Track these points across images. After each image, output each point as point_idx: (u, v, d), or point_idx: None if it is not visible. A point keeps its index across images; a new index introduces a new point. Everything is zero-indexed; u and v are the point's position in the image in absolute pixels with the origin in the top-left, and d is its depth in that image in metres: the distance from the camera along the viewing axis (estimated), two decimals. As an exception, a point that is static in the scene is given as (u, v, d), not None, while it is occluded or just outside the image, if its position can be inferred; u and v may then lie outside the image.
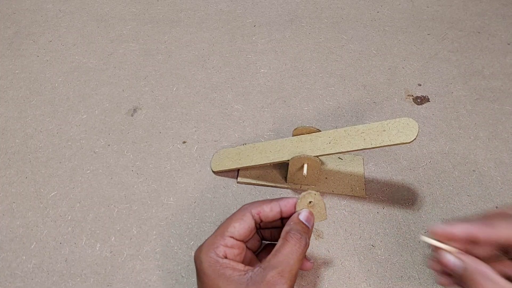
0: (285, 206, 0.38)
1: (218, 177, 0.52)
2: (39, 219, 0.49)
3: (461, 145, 0.55)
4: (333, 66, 0.65)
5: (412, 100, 0.60)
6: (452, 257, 0.32)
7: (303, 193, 0.38)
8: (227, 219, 0.38)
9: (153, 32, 0.70)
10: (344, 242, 0.47)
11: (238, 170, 0.52)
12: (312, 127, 0.48)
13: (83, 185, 0.52)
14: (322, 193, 0.51)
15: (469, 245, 0.33)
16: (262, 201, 0.39)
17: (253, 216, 0.38)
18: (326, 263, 0.45)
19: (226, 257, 0.35)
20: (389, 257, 0.46)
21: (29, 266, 0.45)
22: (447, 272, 0.34)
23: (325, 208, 0.39)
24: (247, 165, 0.50)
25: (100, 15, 0.73)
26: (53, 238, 0.47)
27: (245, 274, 0.34)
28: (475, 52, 0.67)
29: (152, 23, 0.71)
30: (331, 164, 0.52)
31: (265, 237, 0.41)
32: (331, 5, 0.75)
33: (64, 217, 0.49)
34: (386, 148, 0.54)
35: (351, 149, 0.44)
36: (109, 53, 0.66)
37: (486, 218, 0.33)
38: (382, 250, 0.46)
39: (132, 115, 0.59)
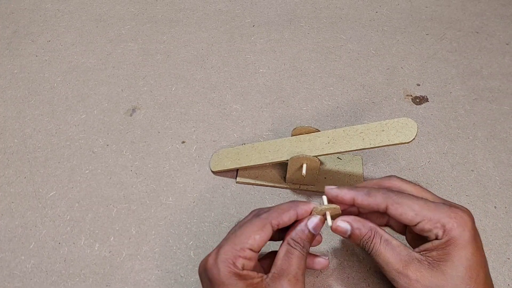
0: (302, 215, 0.38)
1: (217, 177, 0.52)
2: (38, 219, 0.49)
3: (460, 145, 0.55)
4: (332, 66, 0.65)
5: (411, 100, 0.60)
6: (341, 223, 0.38)
7: (322, 207, 0.38)
8: (245, 227, 0.36)
9: (152, 32, 0.70)
10: (344, 242, 0.47)
11: (237, 170, 0.52)
12: (311, 127, 0.48)
13: (82, 185, 0.51)
14: (321, 193, 0.51)
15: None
16: (280, 209, 0.38)
17: (272, 227, 0.37)
18: (325, 263, 0.45)
19: (243, 269, 0.35)
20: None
21: (28, 266, 0.45)
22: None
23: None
24: (246, 165, 0.50)
25: (99, 15, 0.72)
26: (52, 238, 0.47)
27: (261, 282, 0.35)
28: (473, 52, 0.67)
29: (151, 23, 0.71)
30: (330, 164, 0.52)
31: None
32: (329, 5, 0.75)
33: (63, 217, 0.49)
34: (385, 148, 0.54)
35: (350, 149, 0.44)
36: (107, 53, 0.66)
37: (368, 188, 0.38)
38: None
39: (131, 115, 0.59)
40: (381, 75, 0.63)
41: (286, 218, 0.37)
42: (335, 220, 0.38)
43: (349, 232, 0.38)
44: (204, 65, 0.65)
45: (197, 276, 0.44)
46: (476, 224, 0.48)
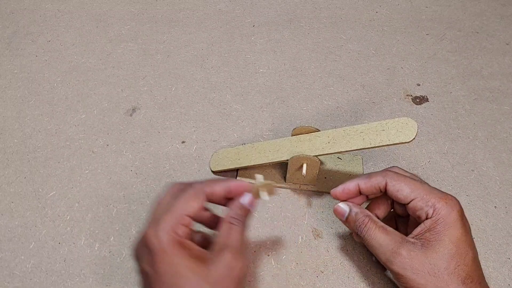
0: (234, 187, 0.39)
1: (217, 177, 0.52)
2: (38, 219, 0.49)
3: (460, 145, 0.55)
4: (332, 66, 0.65)
5: (411, 100, 0.60)
6: (342, 204, 0.43)
7: (255, 183, 0.39)
8: (181, 196, 0.37)
9: (151, 32, 0.70)
10: (343, 242, 0.47)
11: (237, 170, 0.52)
12: (311, 127, 0.48)
13: (82, 185, 0.51)
14: (321, 193, 0.51)
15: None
16: (213, 180, 0.39)
17: (207, 196, 0.38)
18: (325, 262, 0.45)
19: (183, 236, 0.36)
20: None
21: (27, 266, 0.45)
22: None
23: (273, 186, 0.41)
24: (246, 165, 0.50)
25: (99, 15, 0.72)
26: (51, 238, 0.47)
27: (202, 253, 0.35)
28: (473, 52, 0.67)
29: (150, 23, 0.71)
30: (330, 163, 0.52)
31: None
32: (329, 5, 0.75)
33: (63, 217, 0.49)
34: (385, 148, 0.54)
35: (350, 149, 0.44)
36: (107, 53, 0.66)
37: (368, 173, 0.42)
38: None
39: (131, 115, 0.59)
40: (381, 75, 0.63)
41: (218, 188, 0.38)
42: (338, 204, 0.43)
43: (346, 214, 0.42)
44: (204, 65, 0.65)
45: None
46: (476, 224, 0.48)
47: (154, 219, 0.36)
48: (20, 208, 0.49)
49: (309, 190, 0.51)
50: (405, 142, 0.42)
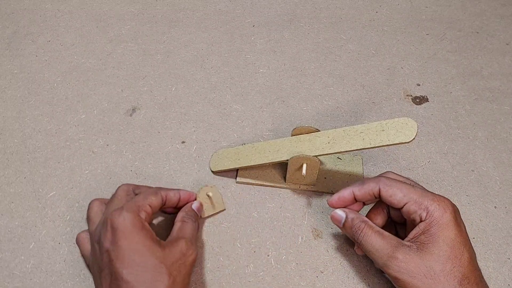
0: (184, 195, 0.46)
1: (217, 177, 0.52)
2: (38, 219, 0.49)
3: (460, 145, 0.55)
4: (332, 66, 0.65)
5: (411, 100, 0.60)
6: (338, 210, 0.43)
7: (201, 187, 0.49)
8: (141, 192, 0.43)
9: (151, 32, 0.70)
10: (343, 242, 0.47)
11: (237, 170, 0.52)
12: (311, 127, 0.48)
13: (82, 185, 0.51)
14: (321, 193, 0.51)
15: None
16: (166, 188, 0.45)
17: (162, 197, 0.43)
18: (325, 263, 0.45)
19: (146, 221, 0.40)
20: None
21: (27, 266, 0.45)
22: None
23: (222, 199, 0.49)
24: (246, 165, 0.50)
25: (99, 15, 0.72)
26: (51, 238, 0.47)
27: (159, 240, 0.39)
28: (473, 52, 0.67)
29: (150, 23, 0.71)
30: (330, 164, 0.52)
31: None
32: (329, 5, 0.75)
33: (63, 217, 0.49)
34: (385, 148, 0.54)
35: (350, 149, 0.44)
36: (107, 53, 0.66)
37: (362, 180, 0.43)
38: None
39: (130, 115, 0.59)
40: (381, 75, 0.63)
41: (171, 193, 0.45)
42: (335, 210, 0.44)
43: (343, 221, 0.43)
44: (204, 65, 0.65)
45: (197, 276, 0.44)
46: (476, 224, 0.48)
47: (116, 208, 0.40)
48: (20, 208, 0.49)
49: (309, 190, 0.51)
50: (405, 142, 0.42)
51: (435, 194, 0.40)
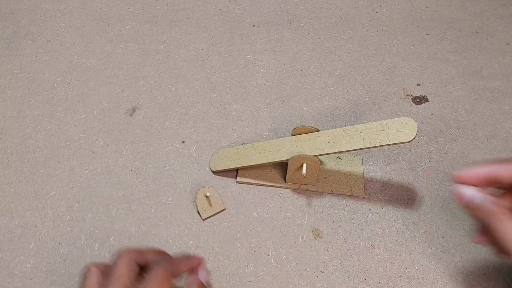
0: (193, 264, 0.40)
1: (217, 177, 0.52)
2: (38, 219, 0.49)
3: (460, 145, 0.55)
4: (332, 66, 0.65)
5: (411, 100, 0.60)
6: (471, 189, 0.36)
7: (199, 189, 0.49)
8: (153, 281, 0.36)
9: (152, 32, 0.70)
10: (343, 242, 0.47)
11: (237, 170, 0.52)
12: (311, 126, 0.48)
13: (82, 185, 0.51)
14: (321, 193, 0.51)
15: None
16: (175, 259, 0.39)
17: (173, 275, 0.38)
18: (325, 262, 0.45)
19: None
20: (388, 256, 0.46)
21: (27, 266, 0.45)
22: (483, 230, 0.37)
23: (221, 199, 0.49)
24: (246, 164, 0.50)
25: (99, 15, 0.72)
26: (51, 238, 0.47)
27: None
28: (473, 52, 0.67)
29: (151, 23, 0.71)
30: (330, 163, 0.52)
31: None
32: (330, 5, 0.75)
33: (63, 217, 0.49)
34: (385, 147, 0.54)
35: (350, 149, 0.44)
36: (107, 53, 0.66)
37: (505, 160, 0.36)
38: (381, 249, 0.46)
39: (131, 115, 0.59)
40: (381, 75, 0.63)
41: (183, 267, 0.38)
42: (465, 188, 0.37)
43: (478, 201, 0.36)
44: (204, 65, 0.65)
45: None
46: (477, 224, 0.48)
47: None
48: (20, 208, 0.49)
49: (309, 190, 0.51)
50: (405, 142, 0.42)
51: None
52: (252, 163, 0.50)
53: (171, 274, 0.37)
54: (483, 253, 0.46)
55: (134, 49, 0.67)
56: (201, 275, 0.40)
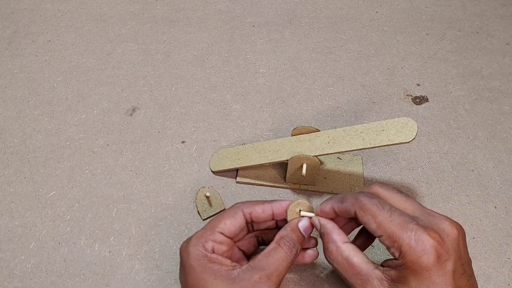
0: (278, 209, 0.38)
1: (217, 177, 0.52)
2: (38, 219, 0.49)
3: (460, 145, 0.55)
4: (332, 66, 0.65)
5: (411, 100, 0.60)
6: (316, 219, 0.38)
7: (199, 189, 0.49)
8: (219, 215, 0.38)
9: (152, 32, 0.70)
10: (343, 242, 0.47)
11: (237, 170, 0.52)
12: (311, 127, 0.48)
13: (82, 185, 0.51)
14: (321, 193, 0.51)
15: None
16: (254, 201, 0.39)
17: (244, 215, 0.38)
18: (325, 263, 0.45)
19: (213, 252, 0.35)
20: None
21: (27, 266, 0.45)
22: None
23: (221, 199, 0.49)
24: (246, 165, 0.50)
25: (99, 14, 0.72)
26: (51, 238, 0.47)
27: (232, 269, 0.34)
28: (473, 52, 0.67)
29: (151, 23, 0.71)
30: (330, 164, 0.52)
31: (264, 242, 0.41)
32: (329, 5, 0.75)
33: (63, 217, 0.49)
34: (385, 148, 0.54)
35: (350, 149, 0.44)
36: (108, 52, 0.66)
37: (343, 194, 0.38)
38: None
39: (131, 115, 0.59)
40: (381, 75, 0.63)
41: (259, 209, 0.38)
42: (312, 219, 0.39)
43: (317, 225, 0.38)
44: (204, 65, 0.65)
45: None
46: (476, 224, 0.48)
47: (187, 238, 0.37)
48: (20, 208, 0.49)
49: (309, 190, 0.51)
50: (405, 142, 0.42)
51: (419, 225, 0.32)
52: (252, 163, 0.50)
53: (241, 221, 0.38)
54: (483, 253, 0.46)
55: (134, 49, 0.67)
56: (302, 224, 0.38)
